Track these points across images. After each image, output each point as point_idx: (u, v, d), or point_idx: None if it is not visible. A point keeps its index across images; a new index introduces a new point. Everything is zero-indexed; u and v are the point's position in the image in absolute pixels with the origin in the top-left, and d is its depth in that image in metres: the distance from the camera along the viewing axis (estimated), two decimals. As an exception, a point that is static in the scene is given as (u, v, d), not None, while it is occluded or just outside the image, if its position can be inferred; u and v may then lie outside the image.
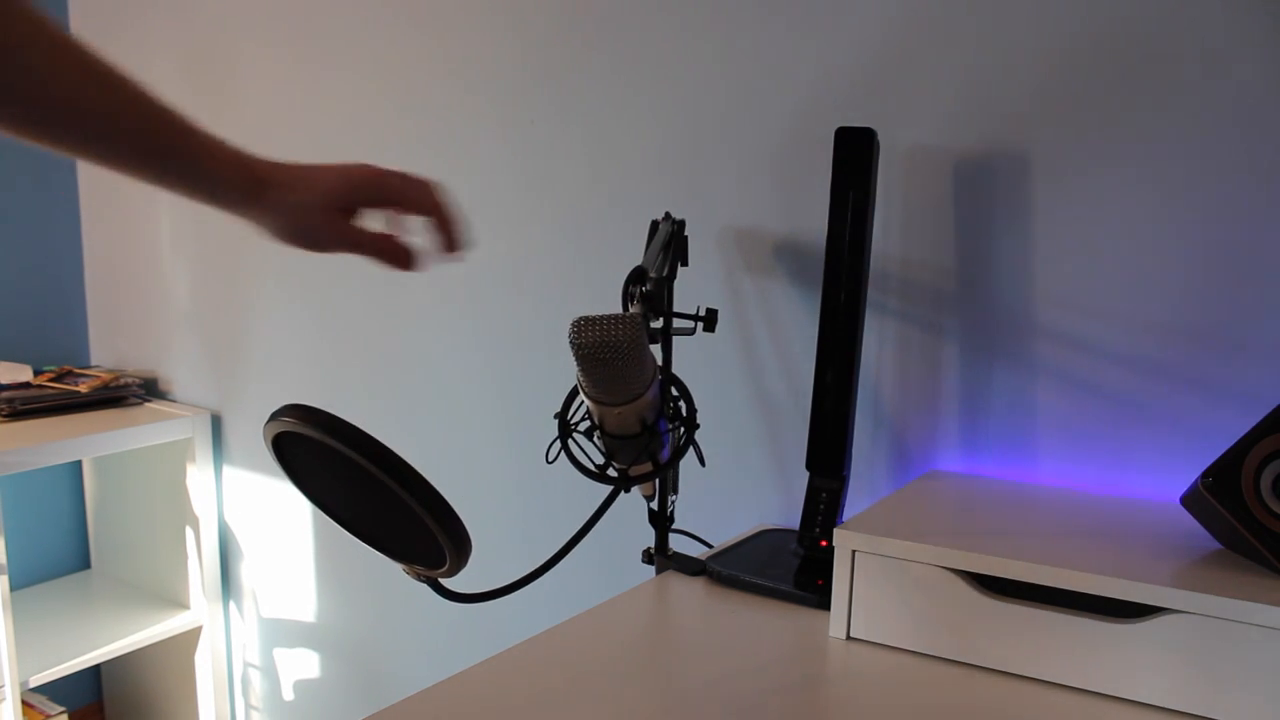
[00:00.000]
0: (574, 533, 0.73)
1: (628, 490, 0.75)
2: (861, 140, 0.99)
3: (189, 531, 1.94)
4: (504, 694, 0.79)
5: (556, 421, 0.75)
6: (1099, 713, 0.75)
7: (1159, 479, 0.98)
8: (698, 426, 0.74)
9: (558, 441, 0.74)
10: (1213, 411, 0.95)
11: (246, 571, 1.93)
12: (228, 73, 1.75)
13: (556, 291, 1.39)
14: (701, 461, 0.82)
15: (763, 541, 1.10)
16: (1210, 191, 0.94)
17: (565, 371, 1.40)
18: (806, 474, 1.02)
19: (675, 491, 1.05)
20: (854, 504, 1.13)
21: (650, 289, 0.80)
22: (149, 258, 2.02)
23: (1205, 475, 0.77)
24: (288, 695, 1.89)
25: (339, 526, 0.68)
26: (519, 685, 0.80)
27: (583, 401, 0.72)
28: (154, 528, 2.03)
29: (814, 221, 1.15)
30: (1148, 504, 0.96)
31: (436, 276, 1.53)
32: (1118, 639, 0.75)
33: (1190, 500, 0.81)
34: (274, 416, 0.62)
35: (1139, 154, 0.96)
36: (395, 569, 1.65)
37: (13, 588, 2.09)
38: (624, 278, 1.28)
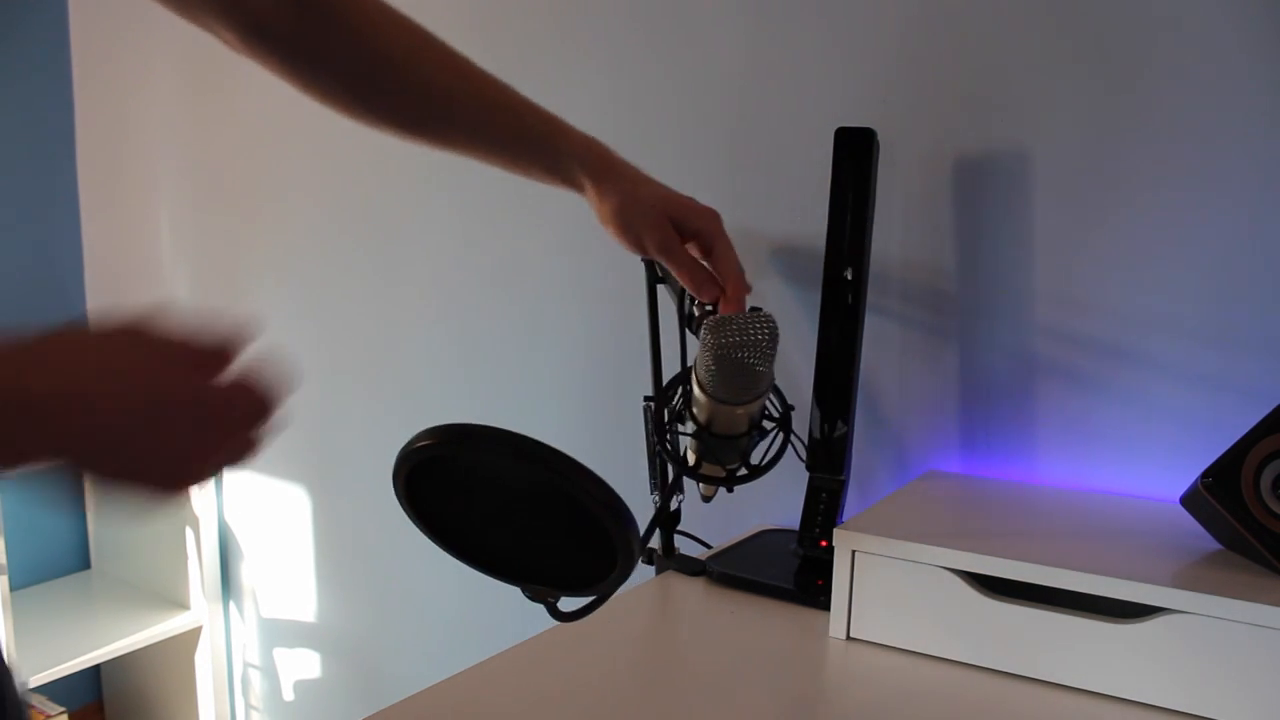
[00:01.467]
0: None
1: (730, 489, 0.76)
2: (861, 140, 0.99)
3: (189, 531, 1.94)
4: (504, 694, 0.79)
5: (652, 420, 0.75)
6: (1099, 713, 0.75)
7: (1159, 479, 0.98)
8: (792, 431, 0.74)
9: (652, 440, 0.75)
10: (1213, 411, 0.95)
11: (246, 571, 1.93)
12: (228, 73, 1.75)
13: (558, 292, 1.39)
14: (801, 457, 0.81)
15: (763, 541, 1.10)
16: (1212, 188, 0.94)
17: (568, 373, 1.40)
18: (806, 474, 1.02)
19: (681, 491, 1.05)
20: (854, 504, 1.13)
21: None
22: (149, 258, 2.02)
23: (1205, 475, 0.77)
24: (288, 695, 1.89)
25: (456, 558, 0.69)
26: (519, 685, 0.80)
27: (676, 400, 0.73)
28: (154, 528, 2.03)
29: (814, 222, 1.15)
30: (1148, 504, 0.96)
31: (436, 278, 1.53)
32: (1118, 639, 0.75)
33: (1190, 500, 0.81)
34: (436, 439, 0.63)
35: (1139, 152, 0.96)
36: (395, 569, 1.65)
37: (13, 588, 2.09)
38: (624, 280, 1.28)
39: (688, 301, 0.83)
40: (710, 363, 0.68)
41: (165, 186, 1.95)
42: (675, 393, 0.73)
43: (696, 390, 0.70)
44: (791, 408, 0.74)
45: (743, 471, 0.75)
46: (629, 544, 0.63)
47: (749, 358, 0.67)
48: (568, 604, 0.70)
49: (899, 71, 1.08)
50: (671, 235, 0.79)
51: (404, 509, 0.68)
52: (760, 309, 0.71)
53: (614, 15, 1.28)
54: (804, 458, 0.76)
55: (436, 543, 0.69)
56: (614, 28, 1.29)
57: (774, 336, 0.67)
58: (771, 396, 0.73)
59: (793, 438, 0.74)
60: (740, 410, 0.70)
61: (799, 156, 1.15)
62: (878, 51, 1.09)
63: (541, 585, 0.69)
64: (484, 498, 0.67)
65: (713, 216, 0.80)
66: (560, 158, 0.79)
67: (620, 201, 0.78)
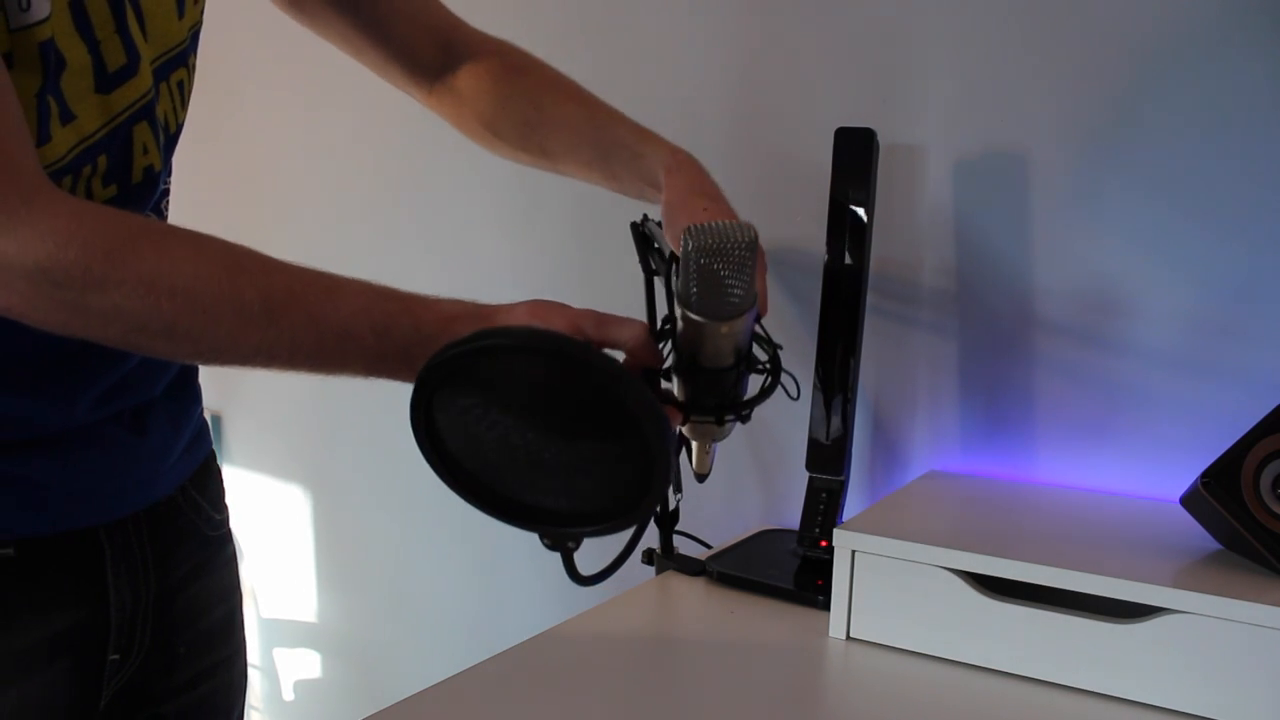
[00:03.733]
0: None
1: (720, 424, 0.75)
2: (861, 140, 0.99)
3: (189, 531, 1.94)
4: (504, 694, 0.79)
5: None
6: (1099, 713, 0.75)
7: (1159, 479, 0.98)
8: (781, 368, 0.73)
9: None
10: (1214, 411, 0.95)
11: (246, 571, 1.93)
12: (228, 74, 1.75)
13: (558, 291, 1.39)
14: (793, 394, 0.79)
15: (763, 542, 1.10)
16: (1211, 187, 0.94)
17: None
18: (806, 474, 1.02)
19: (679, 490, 1.05)
20: (854, 504, 1.13)
21: None
22: (149, 258, 2.02)
23: (1204, 476, 0.77)
24: (288, 695, 1.89)
25: (464, 497, 0.67)
26: (519, 685, 0.80)
27: (667, 342, 0.72)
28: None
29: (814, 223, 1.15)
30: (1148, 504, 0.96)
31: (437, 274, 1.53)
32: (1118, 639, 0.75)
33: (1190, 500, 0.81)
34: (466, 343, 0.62)
35: (1138, 152, 0.96)
36: (395, 569, 1.65)
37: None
38: (625, 277, 1.28)
39: (669, 252, 0.82)
40: (690, 269, 0.66)
41: (165, 186, 1.95)
42: (664, 329, 0.72)
43: (679, 311, 0.69)
44: (779, 346, 0.73)
45: (730, 418, 0.74)
46: (665, 453, 0.61)
47: (723, 268, 0.66)
48: (586, 568, 0.69)
49: (899, 71, 1.08)
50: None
51: (418, 443, 0.65)
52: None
53: (611, 15, 1.28)
54: (794, 396, 0.75)
55: (450, 485, 0.67)
56: (611, 27, 1.29)
57: (753, 244, 0.66)
58: (759, 329, 0.72)
59: (783, 377, 0.73)
60: (724, 329, 0.68)
61: (799, 156, 1.15)
62: (878, 51, 1.09)
63: (560, 529, 0.67)
64: (504, 420, 0.64)
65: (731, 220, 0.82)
66: (645, 161, 0.86)
67: (670, 198, 0.83)
